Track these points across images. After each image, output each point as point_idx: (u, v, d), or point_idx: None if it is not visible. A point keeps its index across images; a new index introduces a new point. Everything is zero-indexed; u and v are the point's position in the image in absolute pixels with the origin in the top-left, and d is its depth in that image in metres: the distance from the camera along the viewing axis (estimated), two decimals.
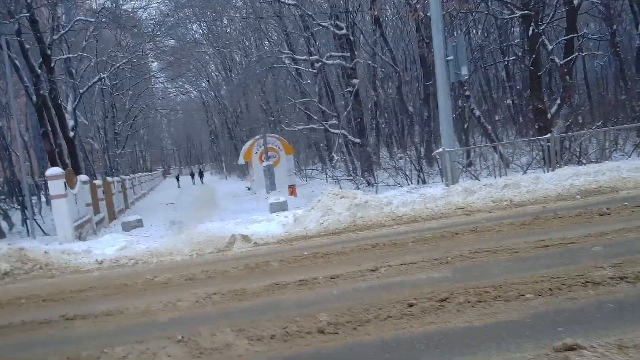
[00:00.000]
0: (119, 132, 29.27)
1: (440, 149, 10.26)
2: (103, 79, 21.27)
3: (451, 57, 10.27)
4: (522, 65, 30.23)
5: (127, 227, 15.66)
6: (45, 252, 8.79)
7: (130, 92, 30.70)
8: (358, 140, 18.89)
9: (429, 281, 4.83)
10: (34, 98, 18.61)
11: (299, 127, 21.16)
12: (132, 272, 7.49)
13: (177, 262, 7.80)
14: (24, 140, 28.67)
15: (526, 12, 14.30)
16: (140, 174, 38.62)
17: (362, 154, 18.71)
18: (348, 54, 18.53)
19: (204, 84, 48.28)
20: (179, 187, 43.56)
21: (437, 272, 5.09)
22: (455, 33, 20.50)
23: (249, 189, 27.35)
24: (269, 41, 30.72)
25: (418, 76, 30.42)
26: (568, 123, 13.77)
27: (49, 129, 19.83)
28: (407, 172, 15.15)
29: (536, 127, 13.89)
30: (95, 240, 12.52)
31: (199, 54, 37.93)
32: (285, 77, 30.65)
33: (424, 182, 14.75)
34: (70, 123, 19.33)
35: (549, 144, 12.30)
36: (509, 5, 19.32)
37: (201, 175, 48.91)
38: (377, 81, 25.80)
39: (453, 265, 5.27)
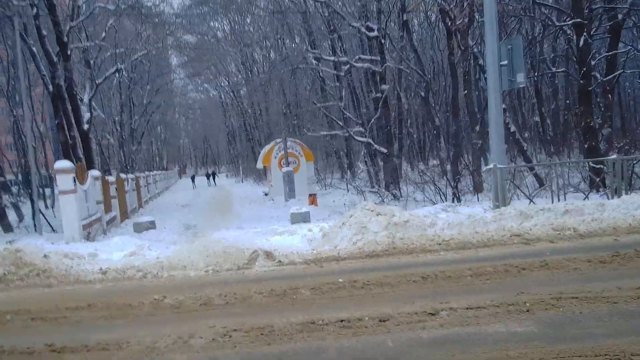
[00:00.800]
0: (135, 128, 28.50)
1: (491, 165, 9.17)
2: (120, 71, 20.49)
3: (505, 62, 9.20)
4: (558, 79, 29.00)
5: (139, 228, 14.80)
6: (45, 256, 7.88)
7: (148, 87, 29.99)
8: (384, 149, 17.82)
9: (513, 338, 3.77)
10: (50, 87, 17.95)
11: (323, 133, 20.14)
12: (139, 287, 6.54)
13: (190, 279, 6.82)
14: (39, 130, 28.15)
15: (579, 20, 13.17)
16: (155, 172, 37.97)
17: (388, 165, 17.65)
18: (378, 58, 17.51)
19: (223, 84, 47.63)
20: (194, 187, 43.27)
21: (519, 325, 4.03)
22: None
23: (265, 194, 26.41)
24: (291, 42, 29.87)
25: (446, 86, 29.33)
26: (621, 144, 12.57)
27: (64, 120, 19.20)
28: (437, 188, 14.04)
29: (585, 146, 12.71)
30: (104, 242, 11.65)
31: (219, 52, 37.24)
32: (308, 80, 29.69)
33: (459, 200, 13.64)
34: (86, 115, 18.57)
35: (598, 166, 11.20)
36: (549, 14, 18.23)
37: (214, 176, 49.07)
38: (402, 90, 24.72)
39: (536, 316, 4.20)
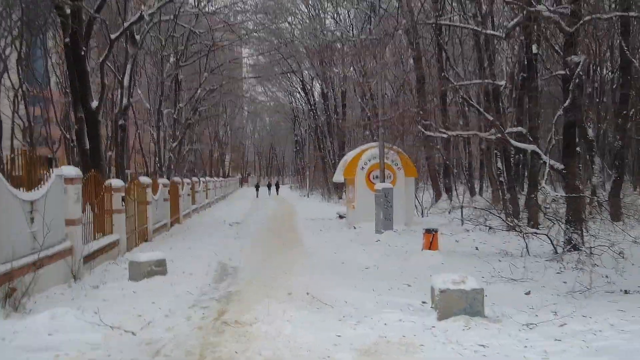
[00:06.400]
0: (178, 118, 22.05)
1: None
2: (143, 19, 13.96)
3: None
4: None
5: (137, 274, 8.45)
6: None
7: (205, 73, 23.85)
8: (562, 166, 10.40)
9: None
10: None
11: (452, 133, 12.71)
12: None
13: None
14: (67, 120, 22.92)
15: None
16: (209, 178, 32.21)
17: (569, 192, 10.17)
18: (566, 10, 10.19)
19: (295, 84, 41.81)
20: (257, 196, 40.54)
21: None
22: None
23: (341, 217, 19.44)
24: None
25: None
26: None
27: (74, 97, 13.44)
28: None
29: None
30: (28, 319, 5.25)
31: (293, 49, 31.19)
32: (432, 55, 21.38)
33: None
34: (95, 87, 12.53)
35: None
36: None
37: (277, 187, 48.84)
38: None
39: None
